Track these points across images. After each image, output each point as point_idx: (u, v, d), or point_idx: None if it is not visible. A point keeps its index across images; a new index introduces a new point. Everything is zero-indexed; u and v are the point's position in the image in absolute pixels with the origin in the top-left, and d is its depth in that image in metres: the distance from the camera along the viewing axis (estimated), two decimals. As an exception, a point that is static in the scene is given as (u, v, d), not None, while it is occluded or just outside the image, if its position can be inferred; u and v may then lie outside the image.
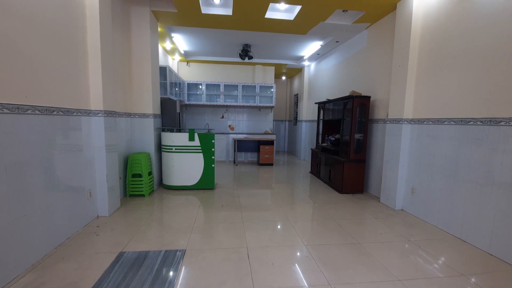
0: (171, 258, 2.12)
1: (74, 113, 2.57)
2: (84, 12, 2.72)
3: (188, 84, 6.97)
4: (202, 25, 4.51)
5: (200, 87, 7.12)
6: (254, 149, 7.22)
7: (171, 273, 1.92)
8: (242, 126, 7.79)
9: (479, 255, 2.29)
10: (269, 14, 4.02)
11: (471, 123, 2.52)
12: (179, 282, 1.82)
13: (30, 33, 2.01)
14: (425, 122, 3.09)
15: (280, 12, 4.05)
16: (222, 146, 7.03)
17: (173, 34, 5.10)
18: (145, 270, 1.96)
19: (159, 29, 4.61)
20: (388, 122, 3.59)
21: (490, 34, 2.36)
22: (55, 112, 2.29)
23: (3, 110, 1.76)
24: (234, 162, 6.81)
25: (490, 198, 2.33)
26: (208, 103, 7.14)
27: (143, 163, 3.67)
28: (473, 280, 1.92)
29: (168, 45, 5.72)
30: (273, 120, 9.58)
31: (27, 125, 1.97)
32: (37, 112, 2.08)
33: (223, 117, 7.64)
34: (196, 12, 3.93)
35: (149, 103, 3.96)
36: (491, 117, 2.33)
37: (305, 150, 7.50)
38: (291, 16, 4.08)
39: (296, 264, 2.09)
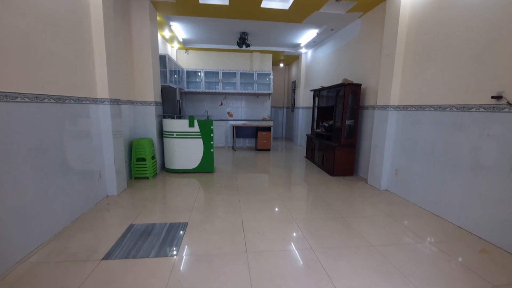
0: (175, 229, 2.42)
1: (84, 101, 2.79)
2: (88, 6, 2.88)
3: (187, 71, 7.11)
4: (200, 14, 4.64)
5: (199, 74, 7.27)
6: (252, 135, 7.46)
7: (175, 240, 2.22)
8: (241, 113, 7.99)
9: (448, 227, 2.59)
10: (265, 4, 4.15)
11: (448, 109, 2.74)
12: (183, 247, 2.12)
13: (44, 29, 2.21)
14: (409, 109, 3.31)
15: (276, 1, 4.17)
16: (221, 132, 7.27)
17: (171, 23, 5.22)
18: (153, 238, 2.26)
19: (158, 18, 4.74)
20: (377, 108, 3.81)
21: (465, 25, 2.55)
22: (67, 101, 2.52)
23: (24, 99, 1.99)
24: (233, 148, 7.07)
25: (459, 178, 2.60)
26: (207, 90, 7.31)
27: (146, 148, 3.93)
28: (437, 246, 2.22)
29: (166, 33, 5.83)
30: (271, 107, 9.78)
31: (44, 112, 2.21)
32: (52, 101, 2.31)
33: (222, 104, 7.84)
34: (194, 2, 4.06)
35: (150, 91, 4.17)
36: (465, 103, 2.56)
37: (302, 136, 7.75)
38: (286, 6, 4.21)
39: (284, 234, 2.39)
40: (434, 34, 2.93)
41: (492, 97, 2.26)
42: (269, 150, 6.94)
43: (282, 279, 1.75)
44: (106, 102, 3.10)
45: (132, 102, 4.07)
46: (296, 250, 2.11)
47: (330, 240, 2.29)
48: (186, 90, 7.15)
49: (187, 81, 7.22)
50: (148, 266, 1.87)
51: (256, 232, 2.40)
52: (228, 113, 7.87)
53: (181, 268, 1.85)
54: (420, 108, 3.12)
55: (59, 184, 2.40)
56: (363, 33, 4.47)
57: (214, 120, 7.29)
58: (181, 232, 2.38)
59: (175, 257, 1.99)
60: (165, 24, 5.20)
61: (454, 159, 2.67)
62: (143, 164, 3.97)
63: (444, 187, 2.78)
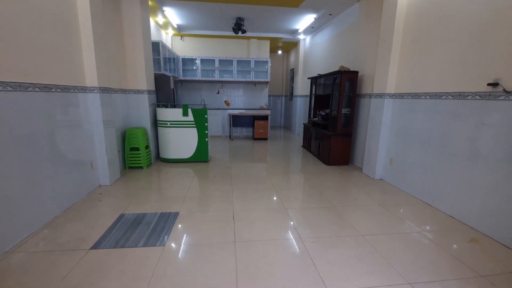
0: (166, 218, 2.42)
1: (71, 90, 2.73)
2: (72, -11, 2.77)
3: (182, 59, 6.97)
4: (193, -1, 4.48)
5: (196, 62, 7.12)
6: (250, 124, 7.40)
7: (165, 230, 2.22)
8: (238, 101, 7.90)
9: (440, 217, 2.58)
10: (259, -13, 3.99)
11: (444, 97, 2.68)
12: (172, 236, 2.13)
13: (26, 15, 2.12)
14: (405, 97, 3.24)
15: (270, -16, 4.01)
16: (218, 121, 7.21)
17: (164, 8, 5.06)
18: (143, 227, 2.26)
19: (150, 3, 4.58)
20: (373, 96, 3.73)
21: (463, 10, 2.44)
22: (53, 89, 2.46)
23: (6, 88, 1.94)
24: (230, 137, 7.03)
25: (454, 167, 2.57)
26: (204, 78, 7.19)
27: (139, 137, 3.89)
28: (427, 235, 2.22)
29: (160, 19, 5.67)
30: (270, 96, 9.67)
31: (28, 101, 2.15)
32: (37, 89, 2.25)
33: (218, 92, 7.73)
34: (185, -14, 3.91)
35: (142, 79, 4.08)
36: (461, 91, 2.49)
37: (300, 125, 7.68)
38: (281, -11, 4.05)
39: (274, 223, 2.38)
40: (432, 19, 2.81)
41: (488, 84, 2.19)
42: (266, 139, 6.90)
43: (268, 269, 1.76)
44: (96, 91, 3.03)
45: (124, 91, 4.00)
46: (285, 240, 2.11)
47: (320, 229, 2.28)
48: (182, 78, 7.04)
49: (183, 69, 7.09)
50: (136, 256, 1.88)
51: (247, 221, 2.40)
52: (225, 101, 7.78)
53: (168, 258, 1.86)
54: (416, 96, 3.04)
55: (49, 174, 2.38)
56: (361, 18, 4.32)
57: (211, 109, 7.22)
58: (172, 221, 2.37)
59: (163, 246, 1.99)
60: (158, 9, 5.04)
61: (449, 148, 2.63)
62: (137, 153, 3.95)
63: (438, 177, 2.76)
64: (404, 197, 3.06)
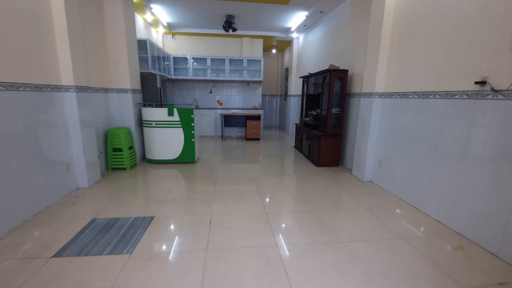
0: (139, 224, 2.31)
1: (44, 89, 2.62)
2: (45, -16, 2.66)
3: (174, 58, 6.85)
4: (179, -5, 4.37)
5: (190, 60, 7.00)
6: (242, 124, 7.28)
7: (135, 236, 2.11)
8: (231, 101, 7.78)
9: (426, 221, 2.47)
10: (246, -17, 3.88)
11: (431, 96, 2.56)
12: (141, 243, 2.01)
13: (-17, 7, 2.01)
14: (393, 96, 3.12)
15: (257, -20, 3.90)
16: (210, 121, 7.10)
17: (151, 5, 4.95)
18: (112, 233, 2.15)
19: (134, 0, 4.47)
20: (362, 96, 3.62)
21: (451, 6, 2.32)
22: (21, 88, 2.34)
23: (-39, 86, 1.83)
24: (222, 137, 6.92)
25: (441, 169, 2.45)
26: (196, 77, 7.07)
27: (122, 138, 3.78)
28: (411, 242, 2.10)
29: (149, 16, 5.56)
30: (265, 95, 9.56)
31: (-10, 100, 2.05)
32: (1, 88, 2.14)
33: (211, 92, 7.61)
34: (169, -18, 3.79)
35: (126, 78, 3.97)
36: (448, 90, 2.37)
37: (293, 124, 7.56)
38: (269, -15, 3.93)
39: (252, 229, 2.27)
40: (419, 14, 2.70)
41: (476, 83, 2.08)
42: (258, 139, 6.79)
43: (236, 281, 1.65)
44: (72, 90, 2.92)
45: (106, 90, 3.88)
46: (260, 248, 2.00)
47: (298, 235, 2.17)
48: (173, 77, 6.92)
49: (175, 68, 6.98)
50: (99, 265, 1.77)
51: (223, 227, 2.29)
52: (217, 101, 7.66)
53: (132, 267, 1.75)
54: (404, 95, 2.93)
55: (17, 176, 2.27)
56: (352, 15, 4.21)
57: (203, 108, 7.11)
58: (144, 227, 2.26)
59: (129, 254, 1.88)
60: (145, 6, 4.93)
61: (436, 149, 2.52)
62: (120, 154, 3.84)
63: (426, 179, 2.64)
64: (392, 201, 2.95)
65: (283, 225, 2.34)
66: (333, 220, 2.46)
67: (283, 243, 2.05)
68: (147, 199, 2.91)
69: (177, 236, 2.13)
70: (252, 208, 2.70)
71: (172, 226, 2.29)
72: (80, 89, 3.01)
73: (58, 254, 1.87)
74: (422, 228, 2.34)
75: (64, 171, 2.92)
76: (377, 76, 3.29)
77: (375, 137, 3.47)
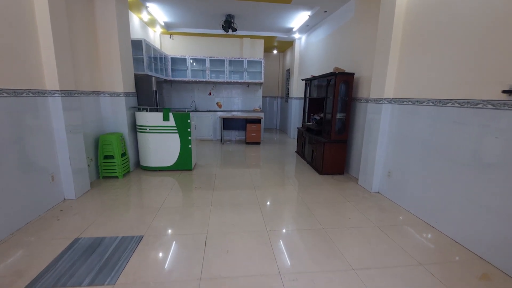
0: (126, 245, 2.08)
1: (24, 94, 2.39)
2: (26, -21, 2.43)
3: (171, 58, 6.62)
4: (176, -6, 4.14)
5: (189, 61, 6.77)
6: (242, 127, 7.04)
7: (120, 261, 1.88)
8: (231, 103, 7.55)
9: (444, 243, 2.24)
10: (246, -19, 3.65)
11: (449, 104, 2.33)
12: (126, 271, 1.79)
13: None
14: (405, 103, 2.90)
15: (258, -22, 3.67)
16: (209, 124, 6.87)
17: (148, 4, 4.72)
18: (96, 257, 1.92)
19: (129, -2, 4.24)
20: (370, 101, 3.39)
21: (473, 8, 2.09)
22: (-3, 94, 2.12)
23: None
24: (221, 141, 6.69)
25: (460, 184, 2.23)
26: (194, 79, 6.84)
27: (114, 144, 3.55)
28: (429, 269, 1.88)
29: (145, 16, 5.33)
30: (266, 97, 9.33)
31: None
32: (-29, 94, 1.91)
33: (210, 94, 7.38)
34: (165, -22, 3.56)
35: (119, 81, 3.74)
36: (469, 98, 2.15)
37: (295, 128, 7.34)
38: (270, -17, 3.70)
39: (252, 252, 2.04)
40: (435, 15, 2.47)
41: (504, 92, 1.85)
42: (259, 143, 6.56)
43: (234, 321, 1.42)
44: (57, 94, 2.69)
45: (98, 93, 3.65)
46: (260, 277, 1.77)
47: (304, 261, 1.94)
48: (171, 78, 6.69)
49: (173, 69, 6.74)
50: (76, 299, 1.54)
51: (220, 249, 2.06)
52: (217, 103, 7.43)
53: (114, 303, 1.52)
54: (418, 102, 2.70)
55: (-12, 193, 2.04)
56: (358, 15, 3.98)
57: (202, 111, 6.89)
58: (132, 249, 2.04)
59: (112, 286, 1.65)
60: (141, 5, 4.70)
61: (454, 162, 2.29)
62: (112, 162, 3.61)
63: (442, 194, 2.42)
64: (403, 216, 2.72)
65: (287, 247, 2.11)
66: (341, 240, 2.23)
67: (287, 271, 1.82)
68: (138, 213, 2.68)
69: (167, 262, 1.90)
70: (252, 225, 2.47)
71: (162, 248, 2.06)
72: (66, 93, 2.79)
73: (31, 285, 1.65)
74: (440, 251, 2.11)
75: (48, 182, 2.70)
76: (387, 80, 3.06)
77: (384, 145, 3.24)
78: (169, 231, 2.33)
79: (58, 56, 2.65)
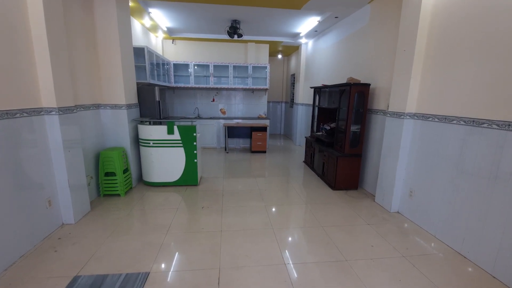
0: (131, 285, 1.87)
1: (18, 115, 2.18)
2: (20, -12, 2.22)
3: (174, 64, 6.41)
4: (179, -1, 3.93)
5: (192, 67, 6.56)
6: (247, 135, 6.83)
7: (125, 309, 1.67)
8: (235, 109, 7.34)
9: (480, 278, 2.03)
10: (255, -14, 3.44)
11: (485, 125, 2.12)
12: (132, 323, 1.57)
13: None
14: (430, 119, 2.68)
15: (268, -17, 3.46)
16: (212, 131, 6.66)
17: (150, 9, 4.51)
18: (97, 304, 1.71)
19: (131, 3, 4.04)
20: (388, 115, 3.18)
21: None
22: (-14, 117, 1.91)
23: None
24: (225, 149, 6.48)
25: (496, 211, 2.02)
26: (197, 85, 6.63)
27: (116, 160, 3.34)
28: (473, 316, 1.67)
29: (147, 21, 5.12)
30: (270, 102, 9.13)
31: None
32: (-43, 119, 1.70)
33: (214, 100, 7.17)
34: (169, -16, 3.36)
35: (120, 92, 3.52)
36: (510, 121, 1.93)
37: (301, 135, 7.13)
38: (281, -12, 3.49)
39: (271, 293, 1.83)
40: (468, 26, 2.26)
41: (559, 117, 1.64)
42: (264, 152, 6.34)
43: None
44: (54, 112, 2.48)
45: (98, 106, 3.44)
46: (284, 329, 1.56)
47: (330, 305, 1.73)
48: (173, 85, 6.48)
49: (175, 75, 6.53)
50: None
51: (235, 290, 1.85)
52: (220, 110, 7.22)
53: None
54: (446, 119, 2.49)
55: (-24, 228, 1.83)
56: (373, 22, 3.77)
57: (205, 118, 6.68)
58: (137, 290, 1.82)
59: None
60: (143, 11, 4.49)
61: (490, 187, 2.07)
62: (113, 179, 3.39)
63: (475, 221, 2.20)
64: (430, 243, 2.51)
65: (310, 286, 1.90)
66: (367, 276, 2.02)
67: (313, 321, 1.61)
68: (142, 241, 2.46)
69: (178, 308, 1.69)
70: (268, 257, 2.25)
71: (171, 289, 1.85)
72: (64, 110, 2.58)
73: None
74: (479, 290, 1.90)
75: (44, 208, 2.48)
76: (409, 94, 2.85)
77: (404, 163, 3.03)
78: (177, 265, 2.11)
79: (55, 72, 2.44)
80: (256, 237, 2.55)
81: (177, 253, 2.28)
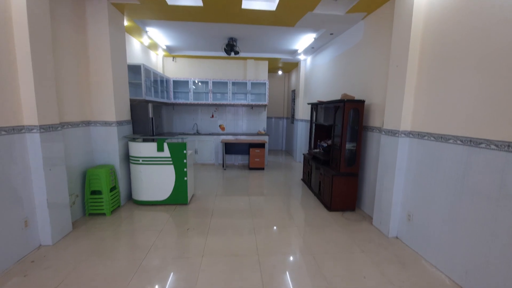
0: (92, 319, 1.72)
1: (-6, 133, 2.15)
2: (8, 10, 2.25)
3: (174, 81, 6.48)
4: (173, 18, 3.99)
5: (191, 84, 6.61)
6: (246, 151, 6.70)
7: None
8: (234, 126, 7.29)
9: (486, 319, 1.78)
10: (246, 5, 3.45)
11: (483, 145, 1.95)
12: None
13: None
14: (425, 137, 2.52)
15: (259, 1, 3.47)
16: (211, 148, 6.59)
17: (147, 28, 4.60)
18: None
19: (128, 23, 4.12)
20: (383, 132, 3.02)
21: (509, 25, 1.77)
22: (-42, 136, 1.87)
23: None
24: (223, 166, 6.37)
25: (502, 243, 1.80)
26: (196, 102, 6.65)
27: (102, 178, 3.26)
28: None
29: (146, 40, 5.23)
30: (271, 118, 9.08)
31: None
32: None
33: (213, 116, 7.16)
34: (161, 3, 3.40)
35: (110, 109, 3.50)
36: (510, 141, 1.76)
37: (301, 151, 6.98)
38: (272, 6, 3.49)
39: (244, 333, 1.64)
40: (460, 40, 2.14)
41: (562, 139, 1.47)
42: (263, 169, 6.19)
43: None
44: (35, 130, 2.45)
45: (88, 123, 3.42)
46: None
47: None
48: (172, 101, 6.52)
49: (175, 92, 6.59)
50: None
51: (204, 328, 1.67)
52: (219, 126, 7.19)
53: None
54: (442, 138, 2.32)
55: None
56: (367, 38, 3.70)
57: (204, 134, 6.64)
58: (98, 326, 1.67)
59: None
60: (141, 30, 4.58)
61: (493, 215, 1.87)
62: (99, 198, 3.30)
63: (478, 252, 1.98)
64: (429, 274, 2.27)
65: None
66: (355, 314, 1.80)
67: None
68: (117, 267, 2.32)
69: None
70: None
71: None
72: (47, 128, 2.54)
73: None
74: (484, 336, 1.66)
75: (20, 229, 2.40)
76: (403, 111, 2.71)
77: (402, 184, 2.84)
78: (148, 296, 1.95)
79: (38, 90, 2.43)
80: (239, 266, 2.37)
81: (150, 282, 2.12)
